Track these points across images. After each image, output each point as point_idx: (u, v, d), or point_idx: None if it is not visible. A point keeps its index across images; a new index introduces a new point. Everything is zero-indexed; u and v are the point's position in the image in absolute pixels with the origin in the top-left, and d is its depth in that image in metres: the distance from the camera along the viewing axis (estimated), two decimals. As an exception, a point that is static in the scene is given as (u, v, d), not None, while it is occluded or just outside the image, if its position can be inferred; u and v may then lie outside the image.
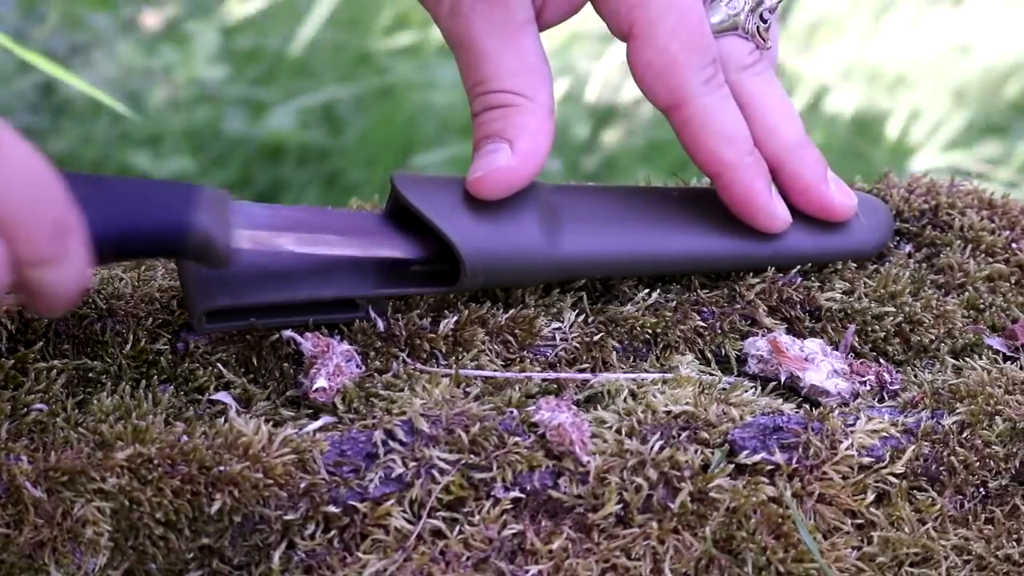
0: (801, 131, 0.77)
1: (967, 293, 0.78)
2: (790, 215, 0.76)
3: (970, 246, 0.81)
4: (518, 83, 0.72)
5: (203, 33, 1.91)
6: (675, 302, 0.74)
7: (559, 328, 0.72)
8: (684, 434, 0.65)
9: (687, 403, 0.67)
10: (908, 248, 0.81)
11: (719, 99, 0.73)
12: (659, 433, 0.65)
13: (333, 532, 0.63)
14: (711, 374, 0.72)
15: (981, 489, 0.68)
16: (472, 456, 0.63)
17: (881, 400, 0.71)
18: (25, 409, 0.64)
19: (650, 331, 0.73)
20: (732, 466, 0.65)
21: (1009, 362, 0.73)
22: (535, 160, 0.71)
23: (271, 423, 0.64)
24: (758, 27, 0.76)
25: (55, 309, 0.59)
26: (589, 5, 0.75)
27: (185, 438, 0.62)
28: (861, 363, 0.72)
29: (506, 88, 0.72)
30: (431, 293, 0.72)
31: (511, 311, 0.72)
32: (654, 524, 0.64)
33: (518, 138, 0.71)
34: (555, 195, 0.74)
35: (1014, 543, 0.68)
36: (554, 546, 0.64)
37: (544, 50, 0.73)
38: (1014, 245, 0.81)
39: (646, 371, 0.71)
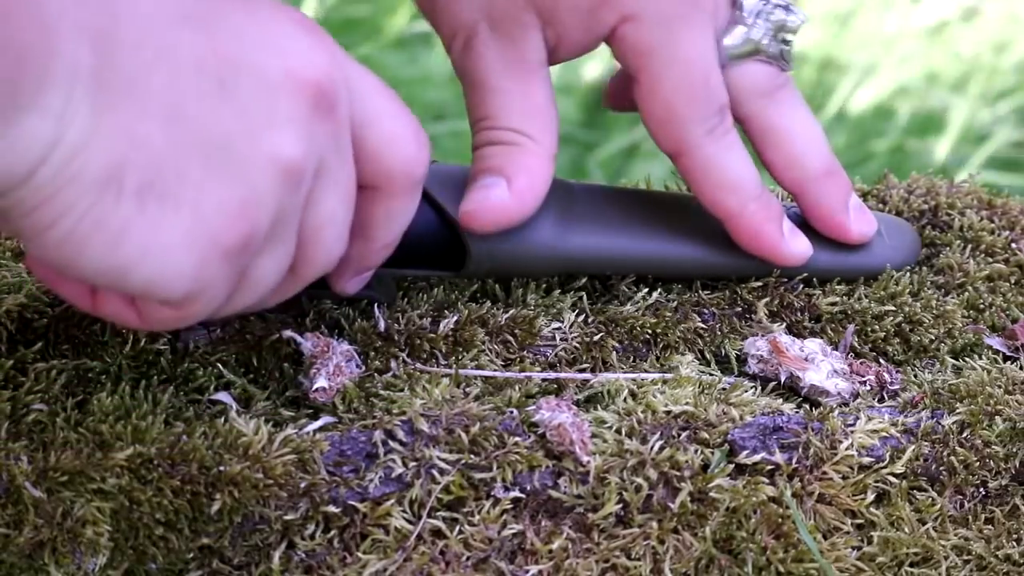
0: (826, 158, 0.76)
1: (967, 293, 0.78)
2: (809, 248, 0.76)
3: (970, 246, 0.81)
4: (524, 123, 0.72)
5: None
6: (675, 302, 0.74)
7: (559, 328, 0.72)
8: (684, 434, 0.65)
9: (687, 403, 0.67)
10: (908, 248, 0.82)
11: (722, 149, 0.73)
12: (659, 433, 0.65)
13: (333, 532, 0.63)
14: (711, 374, 0.72)
15: (981, 489, 0.68)
16: (472, 456, 0.63)
17: (881, 400, 0.71)
18: (25, 409, 0.64)
19: (650, 331, 0.73)
20: (732, 466, 0.65)
21: (1009, 362, 0.73)
22: (530, 200, 0.71)
23: (271, 423, 0.64)
24: (781, 51, 0.75)
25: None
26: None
27: (185, 438, 0.62)
28: (861, 363, 0.72)
29: (512, 127, 0.71)
30: (436, 276, 0.72)
31: (511, 311, 0.72)
32: (654, 524, 0.64)
33: (516, 176, 0.70)
34: (568, 189, 0.74)
35: (1014, 543, 0.68)
36: (554, 546, 0.64)
37: (553, 93, 0.73)
38: (1014, 245, 0.81)
39: (646, 371, 0.71)
